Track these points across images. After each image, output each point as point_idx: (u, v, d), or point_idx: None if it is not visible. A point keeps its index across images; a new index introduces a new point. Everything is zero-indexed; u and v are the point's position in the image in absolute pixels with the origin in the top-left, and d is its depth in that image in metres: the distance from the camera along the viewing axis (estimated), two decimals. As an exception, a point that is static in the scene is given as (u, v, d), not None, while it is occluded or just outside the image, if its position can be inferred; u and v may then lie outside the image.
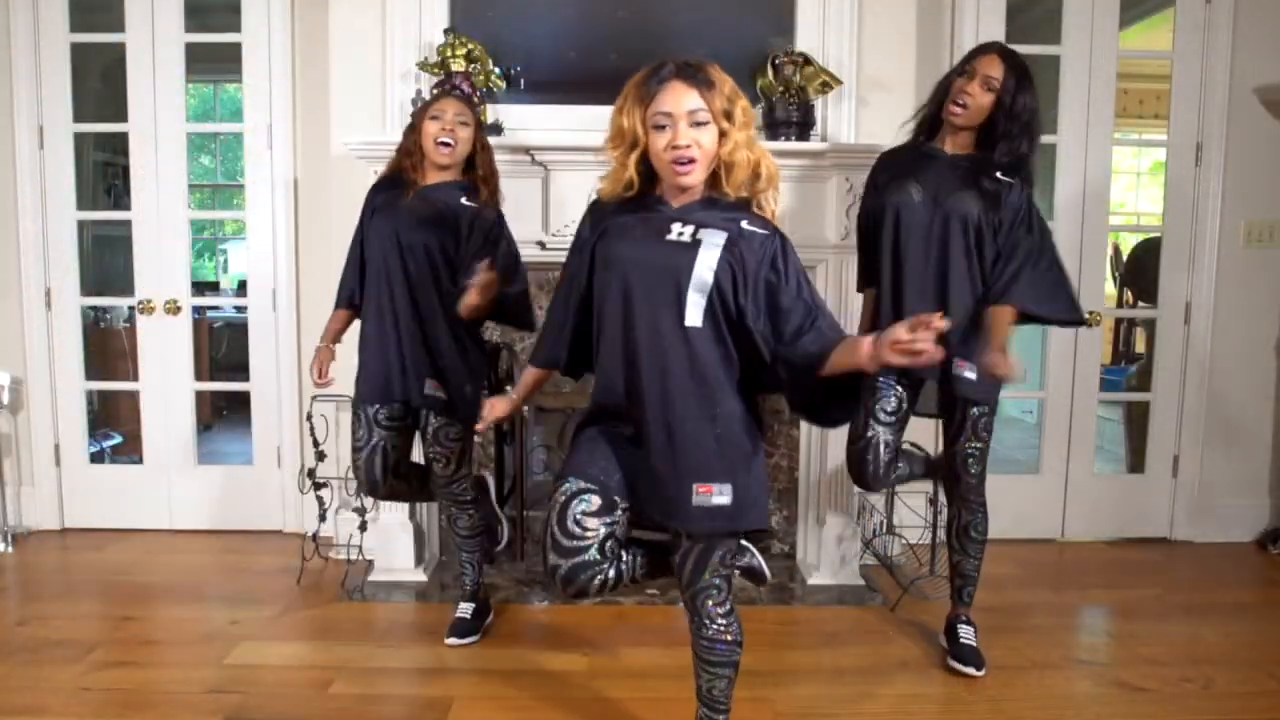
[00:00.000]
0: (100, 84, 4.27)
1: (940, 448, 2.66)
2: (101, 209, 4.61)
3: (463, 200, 2.42)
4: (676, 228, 1.64)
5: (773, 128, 2.93)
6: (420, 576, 2.96)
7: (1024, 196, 2.28)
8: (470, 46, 2.89)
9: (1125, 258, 4.67)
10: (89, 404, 3.66)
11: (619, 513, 1.68)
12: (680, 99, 1.60)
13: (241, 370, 3.53)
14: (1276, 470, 3.49)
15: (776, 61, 2.96)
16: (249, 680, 2.28)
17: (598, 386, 1.74)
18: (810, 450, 3.07)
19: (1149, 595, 2.95)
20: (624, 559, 1.73)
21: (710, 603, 1.70)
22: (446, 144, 2.38)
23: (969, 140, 2.33)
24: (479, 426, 1.93)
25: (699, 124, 1.60)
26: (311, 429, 2.92)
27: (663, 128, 1.60)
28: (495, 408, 1.88)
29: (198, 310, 4.21)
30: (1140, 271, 4.23)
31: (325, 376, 2.54)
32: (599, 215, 1.76)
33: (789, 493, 3.18)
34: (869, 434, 2.33)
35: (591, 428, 1.76)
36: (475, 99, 2.80)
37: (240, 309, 3.86)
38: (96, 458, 3.69)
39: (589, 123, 2.93)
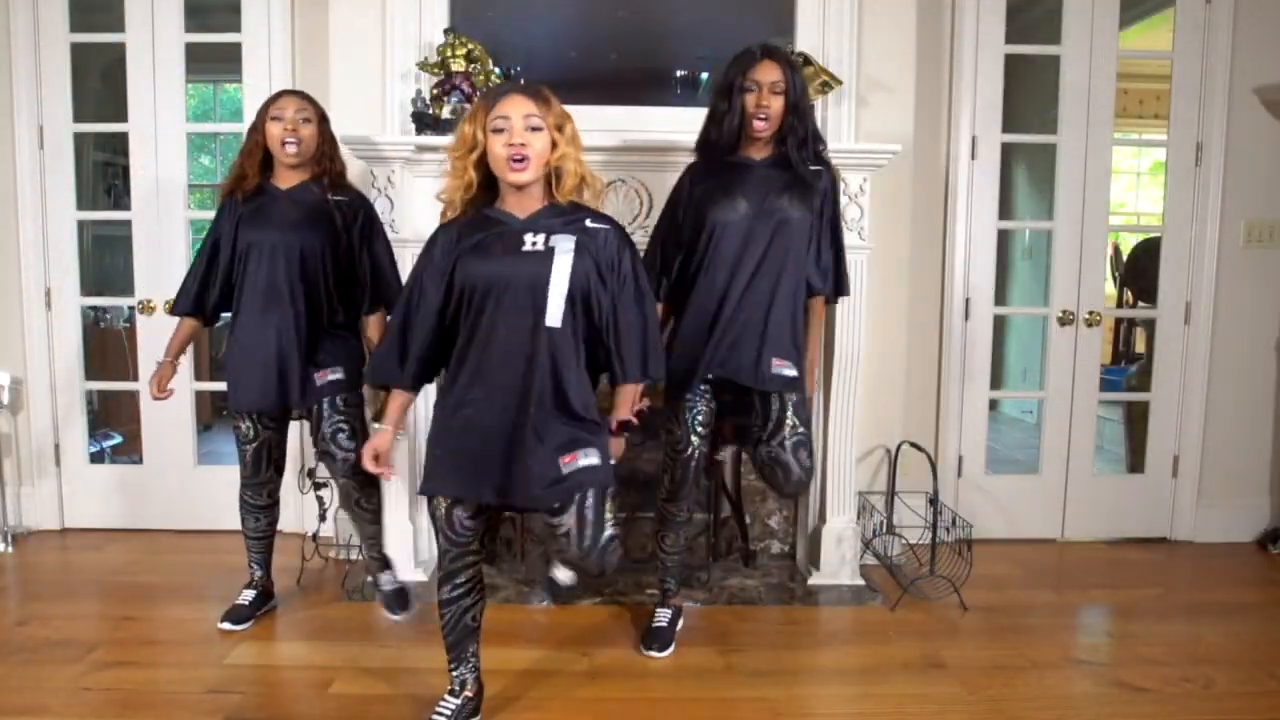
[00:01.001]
0: (100, 84, 4.26)
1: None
2: (101, 209, 4.61)
3: (329, 196, 2.47)
4: (529, 238, 1.83)
5: (773, 128, 2.93)
6: (420, 576, 2.96)
7: (829, 179, 2.44)
8: (470, 46, 2.89)
9: (1125, 258, 4.67)
10: (89, 404, 3.66)
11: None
12: (518, 106, 1.79)
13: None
14: (1276, 470, 3.49)
15: (776, 61, 2.96)
16: (249, 680, 2.28)
17: (452, 393, 1.85)
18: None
19: (1149, 595, 2.95)
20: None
21: (612, 557, 1.86)
22: (292, 143, 2.42)
23: (770, 141, 2.40)
24: (388, 475, 1.97)
25: (533, 129, 1.79)
26: (313, 429, 2.91)
27: (500, 130, 1.78)
28: (379, 448, 1.91)
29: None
30: (1140, 271, 4.23)
31: (165, 391, 2.58)
32: (451, 238, 1.88)
33: (789, 493, 3.18)
34: (689, 449, 2.43)
35: (443, 441, 1.87)
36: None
37: (240, 309, 3.85)
38: (96, 458, 3.69)
39: (589, 123, 2.92)
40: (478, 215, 1.88)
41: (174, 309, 2.59)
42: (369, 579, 2.70)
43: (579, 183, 1.87)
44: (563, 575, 2.01)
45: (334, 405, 2.48)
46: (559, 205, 1.87)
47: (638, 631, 2.54)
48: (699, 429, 2.43)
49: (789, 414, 2.34)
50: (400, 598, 2.62)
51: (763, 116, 2.32)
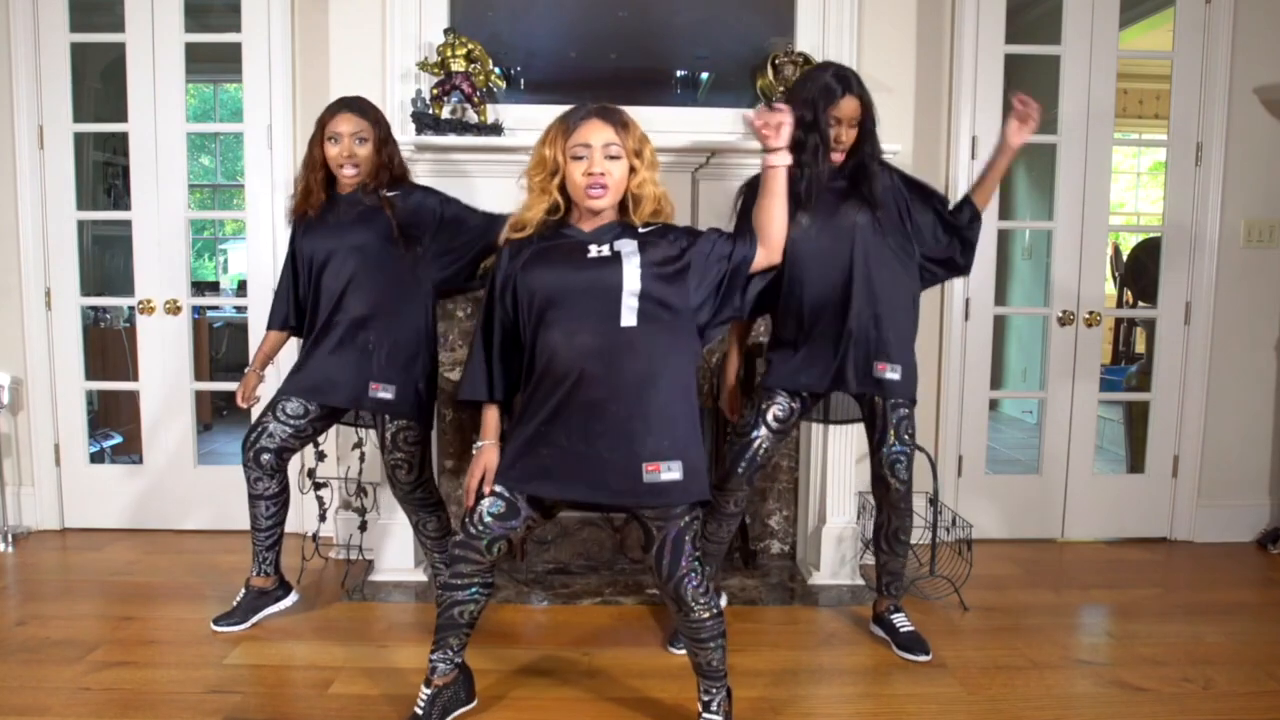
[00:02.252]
0: (100, 84, 4.27)
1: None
2: (101, 209, 4.62)
3: (383, 193, 2.46)
4: (594, 248, 1.86)
5: (773, 128, 2.93)
6: (420, 576, 2.96)
7: (891, 174, 2.40)
8: (470, 46, 2.89)
9: (1125, 258, 4.67)
10: (89, 404, 3.66)
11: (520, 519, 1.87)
12: (598, 134, 1.84)
13: (241, 370, 3.51)
14: (1276, 470, 3.49)
15: (776, 61, 2.96)
16: (249, 680, 2.28)
17: (533, 401, 1.85)
18: (810, 450, 3.08)
19: (1149, 595, 2.95)
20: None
21: (691, 587, 1.83)
22: (351, 169, 2.43)
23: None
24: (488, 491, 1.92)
25: (612, 158, 1.84)
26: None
27: (581, 158, 1.84)
28: (488, 466, 1.91)
29: (198, 310, 4.23)
30: (1140, 271, 4.24)
31: (250, 399, 2.63)
32: (515, 249, 1.92)
33: (789, 493, 3.18)
34: (754, 435, 2.39)
35: (519, 442, 1.87)
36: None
37: (240, 309, 3.86)
38: (96, 458, 3.69)
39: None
40: (546, 231, 1.92)
41: (269, 324, 2.64)
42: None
43: (656, 207, 1.91)
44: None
45: (395, 441, 2.49)
46: (628, 222, 1.91)
47: (638, 631, 2.54)
48: (771, 422, 2.39)
49: (890, 430, 2.37)
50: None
51: (839, 149, 2.32)
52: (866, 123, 2.33)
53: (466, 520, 1.87)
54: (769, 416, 2.39)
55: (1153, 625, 2.69)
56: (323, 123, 2.44)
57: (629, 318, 1.79)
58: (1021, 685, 2.29)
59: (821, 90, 2.28)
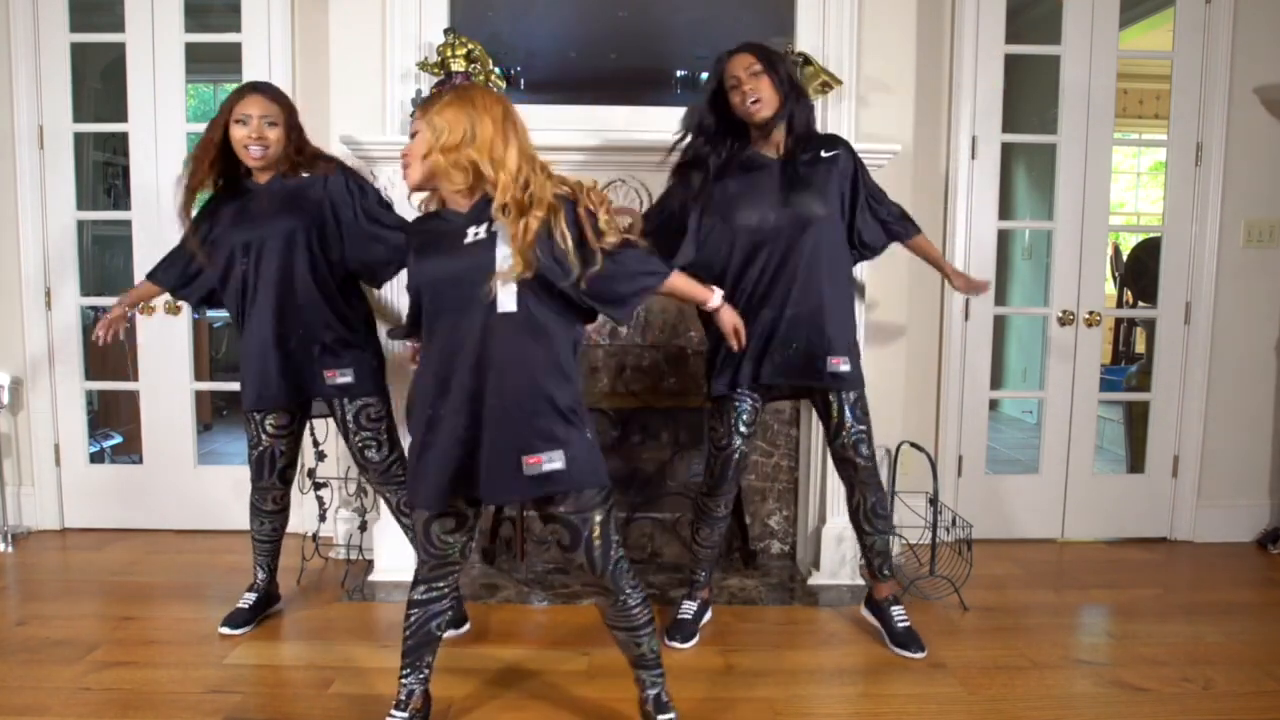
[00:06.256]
0: (100, 84, 4.27)
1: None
2: (101, 209, 4.62)
3: (303, 175, 2.42)
4: (471, 230, 1.78)
5: (773, 128, 2.93)
6: (420, 576, 2.96)
7: (849, 154, 2.46)
8: (470, 46, 2.89)
9: (1125, 258, 4.67)
10: (89, 404, 3.66)
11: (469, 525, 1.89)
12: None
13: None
14: (1276, 470, 3.49)
15: (776, 61, 2.96)
16: (249, 680, 2.28)
17: (420, 387, 1.84)
18: (810, 450, 3.07)
19: (1149, 595, 2.95)
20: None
21: (622, 573, 1.84)
22: (258, 148, 2.36)
23: (782, 137, 2.40)
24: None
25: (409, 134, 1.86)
26: (311, 429, 2.92)
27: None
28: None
29: (198, 310, 4.22)
30: (1140, 271, 4.24)
31: (108, 339, 2.52)
32: (409, 232, 1.93)
33: (789, 493, 3.18)
34: (733, 446, 2.45)
35: (415, 451, 1.84)
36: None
37: (240, 309, 3.85)
38: (96, 458, 3.69)
39: (589, 123, 2.94)
40: (430, 216, 1.90)
41: (155, 278, 2.58)
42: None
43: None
44: None
45: (359, 421, 2.46)
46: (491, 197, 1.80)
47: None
48: (742, 428, 2.44)
49: (847, 413, 2.41)
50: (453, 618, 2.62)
51: (753, 100, 2.32)
52: (771, 72, 2.32)
53: (426, 544, 1.86)
54: (739, 427, 2.45)
55: (1153, 625, 2.69)
56: (230, 103, 2.39)
57: (506, 302, 1.73)
58: (1021, 685, 2.29)
59: (712, 72, 2.39)
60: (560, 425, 1.75)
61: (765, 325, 2.37)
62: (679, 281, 2.00)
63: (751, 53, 2.34)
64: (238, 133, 2.35)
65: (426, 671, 1.94)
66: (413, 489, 1.85)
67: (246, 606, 2.59)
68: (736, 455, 2.46)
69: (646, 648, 1.92)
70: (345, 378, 2.42)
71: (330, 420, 2.56)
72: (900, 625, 2.49)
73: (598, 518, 1.79)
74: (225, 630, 2.52)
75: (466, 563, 1.92)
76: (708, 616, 2.65)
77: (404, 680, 1.93)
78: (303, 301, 2.39)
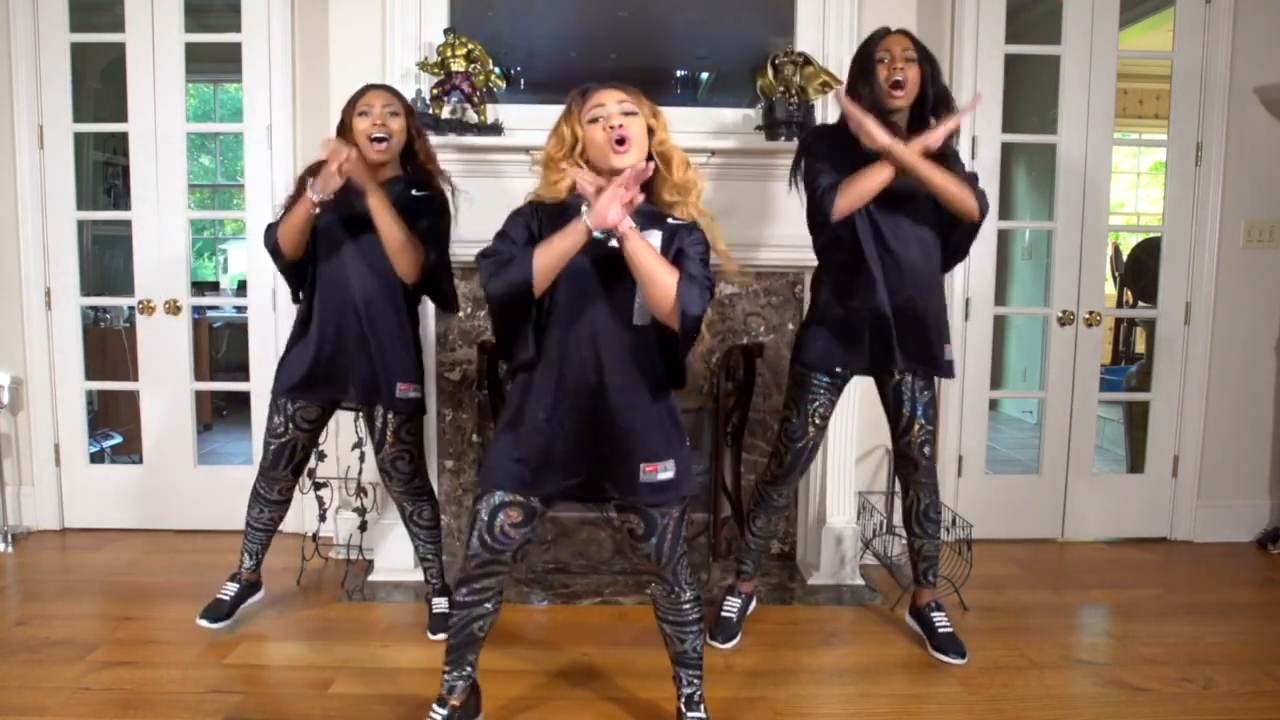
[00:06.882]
0: (100, 84, 4.28)
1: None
2: (101, 209, 4.62)
3: (413, 193, 2.38)
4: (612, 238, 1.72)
5: (772, 128, 2.93)
6: (420, 576, 2.95)
7: (955, 155, 2.41)
8: (470, 46, 2.89)
9: (1125, 258, 4.67)
10: (89, 404, 3.66)
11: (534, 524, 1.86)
12: (610, 95, 1.79)
13: (241, 370, 3.53)
14: (1276, 470, 3.49)
15: (776, 61, 2.96)
16: (249, 680, 2.28)
17: (538, 380, 1.80)
18: (810, 450, 3.07)
19: (1149, 595, 2.95)
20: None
21: (684, 569, 1.90)
22: (381, 139, 2.32)
23: (904, 121, 2.34)
24: None
25: (628, 113, 1.77)
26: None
27: (596, 120, 1.77)
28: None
29: (198, 310, 4.23)
30: (1140, 271, 4.24)
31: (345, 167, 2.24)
32: (530, 217, 1.83)
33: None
34: (807, 437, 2.43)
35: (520, 439, 1.81)
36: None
37: (240, 309, 3.86)
38: (96, 458, 3.69)
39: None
40: (561, 206, 1.81)
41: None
42: (426, 596, 2.68)
43: (687, 170, 1.82)
44: None
45: (399, 434, 2.44)
46: (657, 211, 1.82)
47: (638, 631, 2.54)
48: (818, 420, 2.42)
49: (919, 411, 2.40)
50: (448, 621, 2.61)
51: (899, 81, 2.26)
52: (925, 65, 2.28)
53: (484, 536, 1.79)
54: (815, 419, 2.42)
55: (1153, 625, 2.69)
56: (352, 102, 2.37)
57: (641, 316, 1.76)
58: (1021, 685, 2.29)
59: (870, 39, 2.33)
60: (676, 433, 1.83)
61: (887, 311, 2.31)
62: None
63: (910, 38, 2.30)
64: (360, 125, 2.32)
65: (469, 669, 1.94)
66: (500, 469, 1.80)
67: (228, 598, 2.54)
68: (808, 446, 2.43)
69: (690, 646, 1.95)
70: (416, 393, 2.43)
71: (330, 421, 2.56)
72: (943, 631, 2.46)
73: (675, 514, 1.84)
74: (203, 623, 2.46)
75: (512, 570, 1.90)
76: (752, 608, 2.65)
77: (446, 675, 1.94)
78: (386, 306, 2.37)
